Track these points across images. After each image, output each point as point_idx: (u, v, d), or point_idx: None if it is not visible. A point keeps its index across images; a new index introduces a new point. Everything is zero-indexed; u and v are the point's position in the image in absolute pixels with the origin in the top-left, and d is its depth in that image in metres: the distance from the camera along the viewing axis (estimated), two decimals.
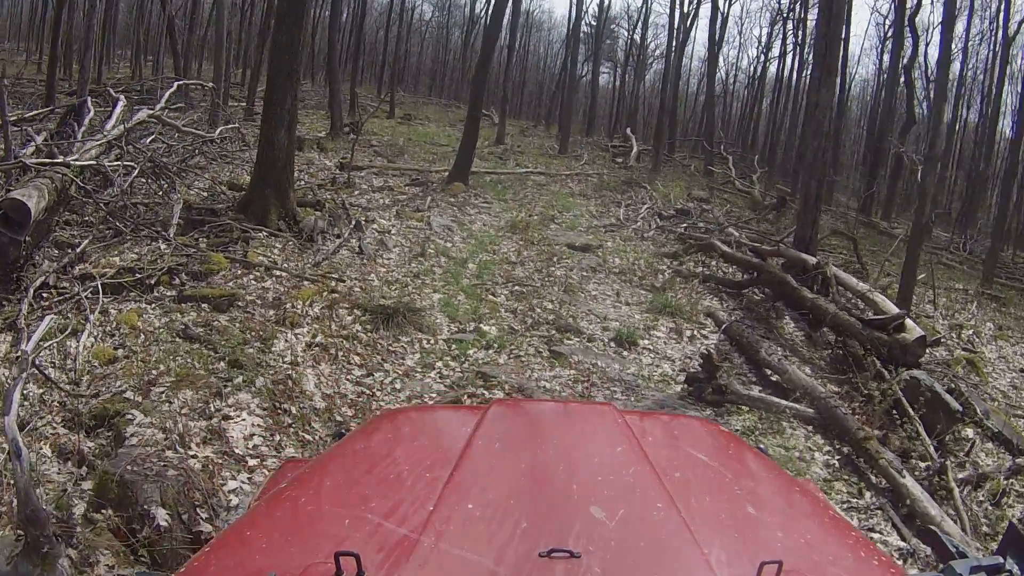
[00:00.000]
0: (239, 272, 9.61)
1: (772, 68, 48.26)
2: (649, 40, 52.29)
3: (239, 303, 8.73)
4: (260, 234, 11.15)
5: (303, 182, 15.83)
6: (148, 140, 15.42)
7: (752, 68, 54.27)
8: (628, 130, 36.67)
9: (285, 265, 10.20)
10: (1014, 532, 1.87)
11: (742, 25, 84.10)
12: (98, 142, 12.44)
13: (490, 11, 19.76)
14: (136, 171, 11.73)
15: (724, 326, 10.53)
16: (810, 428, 8.03)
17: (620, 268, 13.09)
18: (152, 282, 8.77)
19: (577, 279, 12.05)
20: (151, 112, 15.07)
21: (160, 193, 12.30)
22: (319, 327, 8.50)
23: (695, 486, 2.49)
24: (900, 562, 5.87)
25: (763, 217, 21.49)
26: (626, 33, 57.37)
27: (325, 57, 30.82)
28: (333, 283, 9.86)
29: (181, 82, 19.67)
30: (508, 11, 28.55)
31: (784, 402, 8.23)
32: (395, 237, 12.76)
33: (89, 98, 16.44)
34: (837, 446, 7.77)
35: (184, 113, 20.97)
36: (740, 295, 12.55)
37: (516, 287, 11.09)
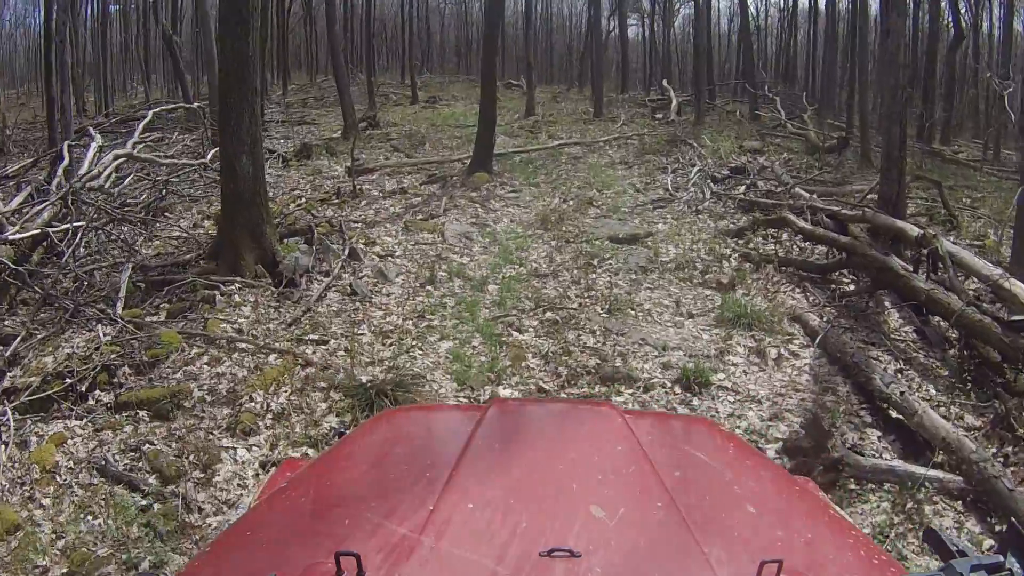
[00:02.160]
0: (194, 352, 7.24)
1: None
2: None
3: (186, 403, 6.44)
4: (232, 287, 8.73)
5: (303, 199, 13.40)
6: (127, 180, 13.24)
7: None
8: (664, 82, 33.42)
9: (253, 331, 7.74)
10: (1014, 531, 1.70)
11: None
12: (48, 202, 10.21)
13: None
14: (80, 232, 9.38)
15: (819, 338, 7.78)
16: (959, 505, 5.28)
17: (676, 262, 10.29)
18: (84, 388, 6.54)
19: (625, 288, 9.32)
20: (121, 153, 12.82)
21: (124, 248, 9.99)
22: (281, 430, 6.08)
23: (695, 485, 2.34)
24: None
25: (824, 162, 18.47)
26: None
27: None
28: (310, 350, 7.38)
29: (156, 109, 17.37)
30: None
31: (922, 471, 5.40)
32: (399, 261, 10.17)
33: (66, 144, 14.36)
34: (998, 528, 5.00)
35: (191, 136, 18.73)
36: (827, 281, 9.75)
37: (548, 313, 8.42)
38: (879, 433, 6.31)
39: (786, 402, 6.79)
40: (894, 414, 6.42)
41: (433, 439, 2.83)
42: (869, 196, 11.94)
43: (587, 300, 8.87)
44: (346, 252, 9.84)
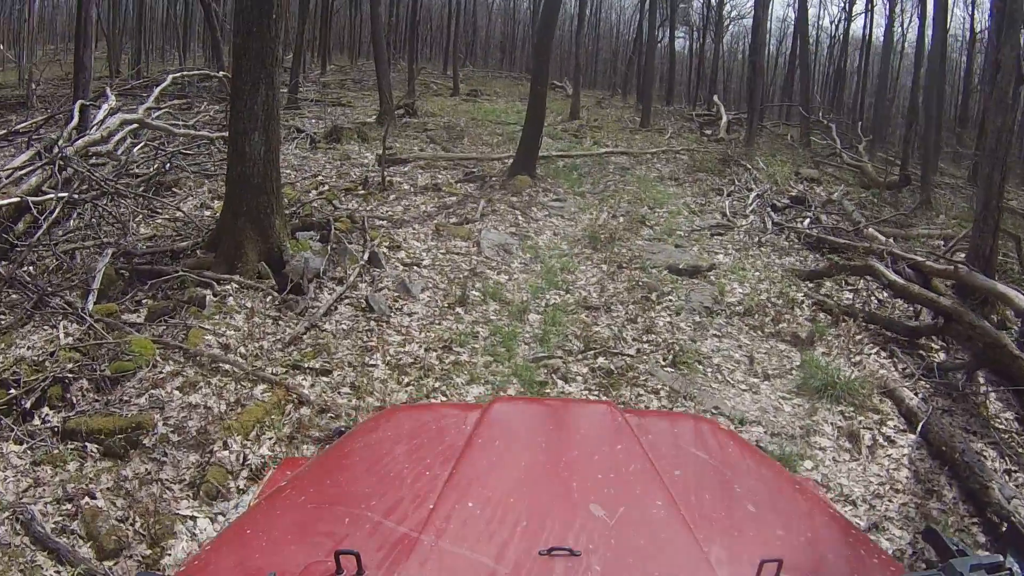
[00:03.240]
0: (168, 370, 5.80)
1: (855, 25, 42.75)
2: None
3: (145, 440, 5.05)
4: (227, 287, 7.28)
5: (327, 187, 11.92)
6: (136, 149, 11.84)
7: (834, 26, 48.37)
8: (716, 97, 31.69)
9: (243, 349, 6.26)
10: (1014, 530, 1.81)
11: None
12: (37, 166, 8.84)
13: None
14: (59, 205, 7.99)
15: (920, 425, 6.21)
16: None
17: (745, 305, 8.69)
18: (30, 404, 5.20)
19: (689, 333, 7.74)
20: (130, 118, 11.40)
21: (116, 226, 8.60)
22: (256, 495, 4.62)
23: (695, 484, 2.26)
24: None
25: (883, 199, 16.83)
26: None
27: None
28: (308, 383, 5.90)
29: (176, 74, 15.95)
30: None
31: None
32: (427, 272, 8.63)
33: (79, 103, 13.04)
34: None
35: (219, 106, 17.26)
36: (915, 345, 8.14)
37: (600, 359, 6.87)
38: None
39: (886, 506, 5.32)
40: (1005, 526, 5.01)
41: (433, 438, 2.62)
42: (956, 248, 10.40)
43: (646, 346, 7.28)
44: (366, 256, 8.34)
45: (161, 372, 5.76)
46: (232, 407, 5.39)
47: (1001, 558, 1.65)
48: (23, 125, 14.82)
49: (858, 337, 8.16)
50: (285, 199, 10.65)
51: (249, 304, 7.06)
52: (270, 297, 7.23)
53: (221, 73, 16.79)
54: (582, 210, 12.59)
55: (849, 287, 9.86)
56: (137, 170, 11.09)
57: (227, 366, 5.90)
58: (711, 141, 22.84)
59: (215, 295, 7.16)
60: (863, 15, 43.93)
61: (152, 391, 5.53)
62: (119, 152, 11.66)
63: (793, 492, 2.44)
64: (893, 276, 8.83)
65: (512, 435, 2.62)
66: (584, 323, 7.67)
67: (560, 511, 1.99)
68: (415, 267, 8.66)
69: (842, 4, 48.05)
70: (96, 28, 38.44)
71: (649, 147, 20.15)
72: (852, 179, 19.50)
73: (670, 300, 8.52)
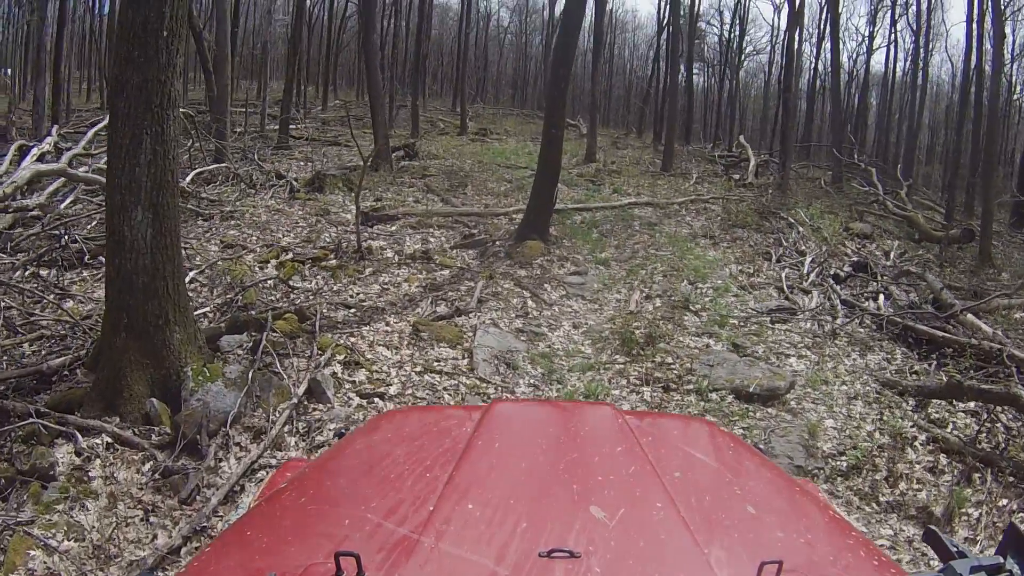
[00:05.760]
0: None
1: (874, 60, 40.48)
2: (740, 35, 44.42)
3: None
4: (96, 440, 4.75)
5: (289, 255, 9.38)
6: (63, 205, 9.41)
7: (851, 61, 45.79)
8: (741, 137, 29.15)
9: None
10: (1014, 532, 1.61)
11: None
12: None
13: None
14: None
15: None
16: None
17: (848, 456, 5.92)
18: None
19: None
20: (46, 169, 8.94)
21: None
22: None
23: (695, 486, 2.18)
24: None
25: (943, 256, 14.29)
26: (717, 30, 49.35)
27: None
28: None
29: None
30: (591, 8, 21.66)
31: None
32: (393, 408, 5.96)
33: (15, 144, 10.87)
34: None
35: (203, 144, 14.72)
36: None
37: None
38: None
39: None
40: None
41: (433, 439, 2.46)
42: None
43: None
44: (302, 388, 5.67)
45: None
46: None
47: (1001, 560, 1.54)
48: None
49: (1003, 503, 5.54)
50: (227, 278, 8.13)
51: (118, 476, 4.50)
52: (150, 464, 4.65)
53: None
54: (607, 287, 9.93)
55: (962, 408, 7.20)
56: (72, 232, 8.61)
57: None
58: (739, 186, 20.27)
59: (78, 454, 4.62)
60: (883, 48, 41.59)
61: None
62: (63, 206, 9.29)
63: (793, 494, 2.33)
64: None
65: (512, 437, 2.48)
66: None
67: (560, 513, 1.90)
68: (377, 399, 5.98)
69: (860, 39, 45.61)
70: (84, 54, 36.50)
71: (675, 195, 17.63)
72: (900, 231, 16.98)
73: None
